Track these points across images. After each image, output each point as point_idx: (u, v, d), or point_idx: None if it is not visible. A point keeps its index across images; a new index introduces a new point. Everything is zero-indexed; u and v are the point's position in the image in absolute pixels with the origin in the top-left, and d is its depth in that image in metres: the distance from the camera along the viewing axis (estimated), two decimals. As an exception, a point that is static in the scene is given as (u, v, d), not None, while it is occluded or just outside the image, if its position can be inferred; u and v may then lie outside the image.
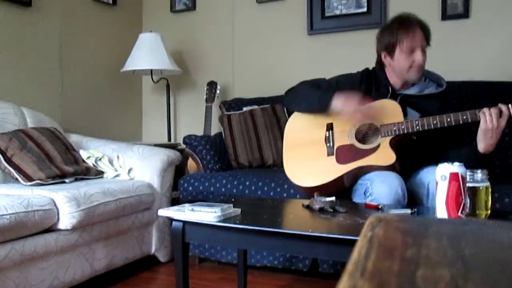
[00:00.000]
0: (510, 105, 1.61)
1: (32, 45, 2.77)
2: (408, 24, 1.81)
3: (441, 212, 1.27)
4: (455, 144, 1.85)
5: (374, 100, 1.83)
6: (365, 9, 2.86)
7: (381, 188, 1.64)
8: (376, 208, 1.53)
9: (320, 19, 2.99)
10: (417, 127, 1.72)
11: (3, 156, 2.10)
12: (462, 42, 2.65)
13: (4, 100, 2.42)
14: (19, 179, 2.05)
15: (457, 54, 2.66)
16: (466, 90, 2.40)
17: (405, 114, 1.83)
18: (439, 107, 1.86)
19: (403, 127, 1.74)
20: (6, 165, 2.09)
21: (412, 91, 1.89)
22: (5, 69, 2.62)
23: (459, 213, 1.25)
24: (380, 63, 1.94)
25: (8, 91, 2.61)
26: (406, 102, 1.86)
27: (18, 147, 2.13)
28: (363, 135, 1.87)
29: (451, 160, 1.32)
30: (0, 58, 2.59)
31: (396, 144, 1.77)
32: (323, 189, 1.80)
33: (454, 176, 1.24)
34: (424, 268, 0.37)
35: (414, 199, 1.76)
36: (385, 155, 1.75)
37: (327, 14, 2.97)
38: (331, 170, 1.82)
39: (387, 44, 1.84)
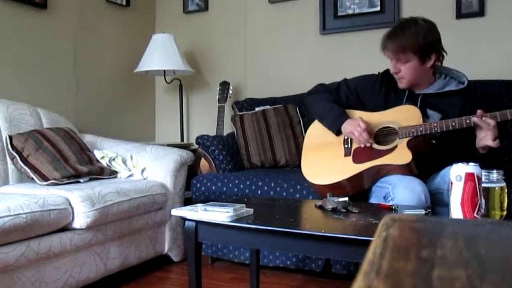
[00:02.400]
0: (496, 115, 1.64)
1: (47, 47, 2.81)
2: (386, 36, 1.83)
3: (456, 212, 1.25)
4: (473, 147, 1.80)
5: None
6: (378, 8, 2.84)
7: (404, 193, 1.60)
8: (390, 208, 1.52)
9: (332, 19, 2.98)
10: (435, 129, 1.70)
11: (20, 156, 2.13)
12: (477, 40, 2.62)
13: (20, 101, 2.46)
14: (35, 178, 2.08)
15: (472, 53, 2.62)
16: (482, 89, 2.37)
17: (425, 116, 1.81)
18: (461, 105, 1.82)
19: (421, 129, 1.73)
20: (22, 164, 2.12)
21: (431, 89, 1.86)
22: (21, 70, 2.66)
23: (475, 214, 1.23)
24: None
25: (24, 92, 2.65)
26: (426, 103, 1.84)
27: (34, 147, 2.16)
28: (382, 138, 1.86)
29: (469, 158, 1.30)
30: (17, 60, 2.64)
31: (414, 147, 1.75)
32: (340, 189, 1.80)
33: (469, 177, 1.23)
34: (439, 268, 0.37)
35: (433, 198, 1.74)
36: (402, 154, 1.73)
37: (339, 14, 2.96)
38: (347, 169, 1.82)
39: None
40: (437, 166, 1.81)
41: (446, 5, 2.68)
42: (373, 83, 1.96)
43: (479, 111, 1.67)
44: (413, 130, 1.74)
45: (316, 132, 2.03)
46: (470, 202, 1.23)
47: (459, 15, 2.64)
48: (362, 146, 1.82)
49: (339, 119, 1.90)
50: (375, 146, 1.82)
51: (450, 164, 1.68)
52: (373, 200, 1.78)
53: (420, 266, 0.37)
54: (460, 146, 1.83)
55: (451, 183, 1.27)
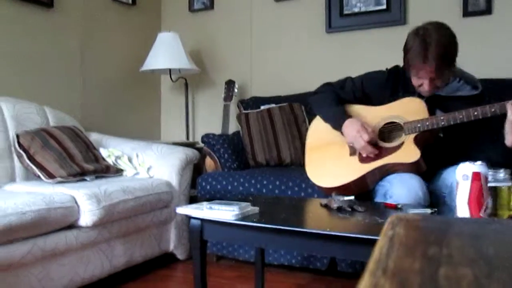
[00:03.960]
0: None
1: (53, 46, 2.82)
2: (423, 55, 1.65)
3: (463, 212, 1.25)
4: (481, 141, 1.78)
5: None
6: (384, 6, 2.83)
7: (401, 190, 1.61)
8: (395, 207, 1.51)
9: (338, 17, 2.97)
10: (442, 123, 1.65)
11: (26, 154, 2.14)
12: (484, 39, 2.60)
13: (27, 99, 2.47)
14: (41, 176, 2.09)
15: (479, 51, 2.61)
16: (489, 87, 2.34)
17: (433, 115, 1.76)
18: None
19: (427, 123, 1.68)
20: (29, 162, 2.13)
21: (442, 92, 1.78)
22: (28, 69, 2.68)
23: (481, 213, 1.23)
24: None
25: (31, 91, 2.66)
26: (435, 103, 1.77)
27: (40, 145, 2.17)
28: (387, 134, 1.82)
29: (476, 157, 1.29)
30: (23, 59, 2.65)
31: (421, 141, 1.71)
32: (345, 190, 1.76)
33: (476, 176, 1.22)
34: (446, 267, 0.36)
35: (438, 200, 1.73)
36: (409, 152, 1.69)
37: (345, 12, 2.95)
38: (353, 170, 1.78)
39: (404, 61, 1.76)
40: (444, 162, 1.78)
41: (453, 3, 2.66)
42: (379, 79, 1.90)
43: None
44: (419, 125, 1.69)
45: (318, 131, 1.98)
46: (476, 201, 1.23)
47: (466, 13, 2.62)
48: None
49: (339, 121, 1.84)
50: (381, 143, 1.78)
51: (456, 162, 1.67)
52: (377, 199, 1.77)
53: (426, 265, 0.37)
54: (467, 141, 1.78)
55: (457, 182, 1.26)
